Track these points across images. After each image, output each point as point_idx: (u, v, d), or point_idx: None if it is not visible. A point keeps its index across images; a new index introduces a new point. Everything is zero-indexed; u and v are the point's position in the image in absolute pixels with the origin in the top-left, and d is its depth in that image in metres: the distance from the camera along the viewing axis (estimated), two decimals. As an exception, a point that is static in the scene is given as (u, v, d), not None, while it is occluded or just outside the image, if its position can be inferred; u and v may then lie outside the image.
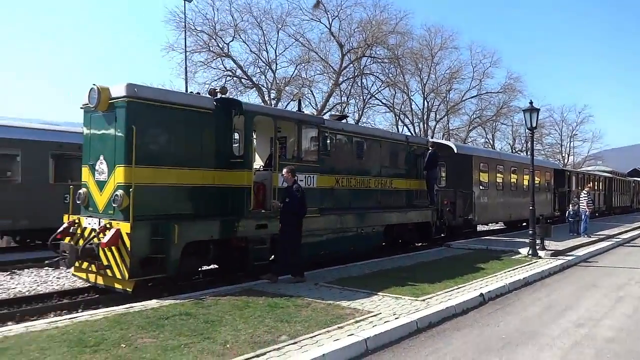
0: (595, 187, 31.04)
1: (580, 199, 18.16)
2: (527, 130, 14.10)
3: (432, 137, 41.71)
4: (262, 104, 28.83)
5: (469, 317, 7.23)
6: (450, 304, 7.35)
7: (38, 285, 9.75)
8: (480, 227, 20.83)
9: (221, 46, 29.86)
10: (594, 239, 16.98)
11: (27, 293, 9.03)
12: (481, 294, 8.15)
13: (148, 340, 5.27)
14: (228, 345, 5.17)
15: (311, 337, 5.49)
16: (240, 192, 9.11)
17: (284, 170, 8.91)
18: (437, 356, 5.51)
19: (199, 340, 5.30)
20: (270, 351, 5.03)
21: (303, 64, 33.78)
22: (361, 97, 38.84)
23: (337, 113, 28.67)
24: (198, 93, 11.67)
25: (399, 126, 42.44)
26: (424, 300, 7.51)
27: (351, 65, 36.06)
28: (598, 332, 6.69)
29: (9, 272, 10.75)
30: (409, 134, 40.75)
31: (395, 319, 6.38)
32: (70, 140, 14.05)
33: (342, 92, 37.16)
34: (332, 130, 11.69)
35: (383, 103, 41.71)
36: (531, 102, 13.85)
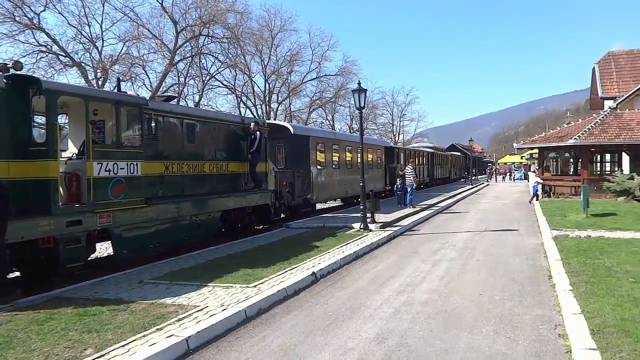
0: (420, 162, 34.34)
1: (406, 173, 19.78)
2: (357, 111, 14.65)
3: (274, 119, 42.18)
4: (86, 84, 25.99)
5: (300, 297, 7.25)
6: (282, 287, 7.28)
7: None
8: (319, 205, 21.55)
9: (30, 17, 26.00)
10: (417, 209, 18.67)
11: None
12: (313, 273, 8.26)
13: None
14: (15, 371, 4.35)
15: (123, 346, 4.90)
16: (45, 185, 7.88)
17: None
18: (264, 344, 5.35)
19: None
20: (69, 369, 4.35)
21: (133, 41, 31.20)
22: (200, 78, 37.41)
23: (174, 94, 27.19)
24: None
25: (241, 108, 41.93)
26: (255, 286, 7.33)
27: (187, 44, 34.39)
28: (415, 297, 7.18)
29: None
30: (251, 116, 40.54)
31: (223, 310, 6.07)
32: None
33: (179, 73, 35.33)
34: (159, 112, 10.82)
35: (224, 85, 40.81)
36: (359, 83, 14.47)
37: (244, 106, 42.86)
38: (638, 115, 23.85)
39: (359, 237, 12.27)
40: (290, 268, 8.61)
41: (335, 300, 7.11)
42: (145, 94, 30.49)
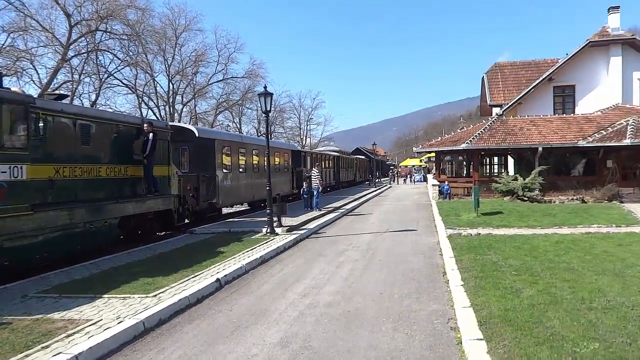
0: (327, 165, 35.05)
1: (312, 176, 20.06)
2: (263, 114, 14.62)
3: (179, 121, 40.82)
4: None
5: (203, 305, 7.06)
6: (184, 295, 7.04)
7: None
8: (226, 210, 21.19)
9: None
10: (324, 211, 19.02)
11: None
12: (217, 279, 8.09)
13: None
14: None
15: (1, 369, 4.46)
16: None
17: None
18: (163, 357, 5.13)
19: None
20: None
21: (19, 33, 28.58)
22: (97, 76, 35.18)
23: (66, 93, 25.30)
24: None
25: (142, 109, 40.07)
26: (155, 295, 7.02)
27: (83, 39, 32.22)
28: (320, 299, 7.29)
29: None
30: (154, 117, 38.89)
31: (119, 323, 5.74)
32: None
33: (73, 69, 32.97)
34: (49, 111, 9.97)
35: (124, 84, 38.72)
36: (265, 87, 14.42)
37: (145, 107, 41.02)
38: (520, 121, 26.21)
39: (266, 241, 12.23)
40: (193, 275, 8.36)
41: (240, 306, 7.01)
42: (33, 91, 28.13)
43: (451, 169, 42.50)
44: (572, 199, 21.45)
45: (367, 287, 7.90)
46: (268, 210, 13.49)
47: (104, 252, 10.74)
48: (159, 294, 7.12)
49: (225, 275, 8.40)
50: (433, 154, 32.64)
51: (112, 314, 6.14)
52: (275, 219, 13.83)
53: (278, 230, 13.58)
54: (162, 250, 11.11)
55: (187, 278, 8.16)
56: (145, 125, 12.82)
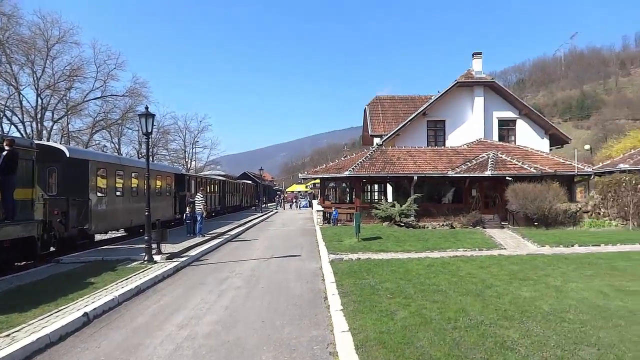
0: (212, 190, 34.28)
1: (196, 201, 19.48)
2: (144, 135, 13.93)
3: (48, 139, 37.41)
4: None
5: (67, 343, 6.41)
6: (44, 333, 6.35)
7: None
8: (100, 236, 19.69)
9: None
10: (207, 237, 18.49)
11: None
12: (85, 313, 7.42)
13: None
14: None
15: None
16: None
17: None
18: (14, 405, 4.55)
19: None
20: None
21: None
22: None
23: None
24: None
25: (3, 125, 36.11)
26: (8, 335, 6.24)
27: None
28: (199, 329, 7.01)
29: None
30: (18, 134, 35.25)
31: (-41, 370, 5.00)
32: None
33: None
34: None
35: (-20, 95, 34.61)
36: (147, 108, 13.84)
37: (8, 122, 36.98)
38: (398, 152, 28.06)
39: (143, 270, 11.53)
40: (56, 310, 7.58)
41: (110, 342, 6.48)
42: None
43: (335, 195, 43.92)
44: (443, 225, 23.27)
45: (249, 316, 7.77)
46: (146, 237, 12.78)
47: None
48: (13, 332, 6.34)
49: (95, 309, 7.74)
50: (318, 181, 33.52)
51: (-48, 359, 5.33)
52: (154, 245, 13.14)
53: (157, 257, 12.90)
54: (22, 283, 9.96)
55: (49, 313, 7.37)
56: (4, 142, 11.49)
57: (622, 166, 23.18)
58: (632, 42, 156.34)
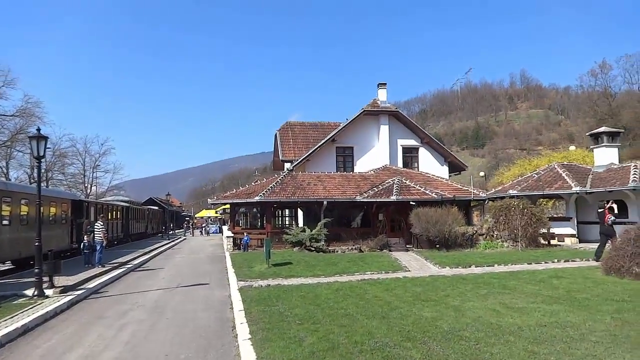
0: (114, 216, 32.37)
1: (95, 229, 18.27)
2: (35, 159, 12.90)
3: None
4: None
5: None
6: None
7: None
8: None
9: None
10: (108, 268, 17.35)
11: None
12: (-41, 359, 6.61)
13: None
14: None
15: None
16: None
17: None
18: None
19: None
20: None
21: None
22: None
23: None
24: None
25: None
26: None
27: None
28: (95, 369, 6.52)
29: None
30: None
31: None
32: None
33: None
34: None
35: None
36: (39, 129, 12.89)
37: None
38: (308, 177, 28.45)
39: (31, 306, 10.53)
40: None
41: (-12, 389, 5.82)
42: None
43: (246, 221, 43.38)
44: (352, 249, 23.79)
45: (151, 350, 7.36)
46: (37, 269, 11.72)
47: None
48: None
49: (-29, 353, 6.92)
50: (228, 206, 32.95)
51: None
52: (46, 278, 12.07)
53: (49, 292, 11.85)
54: None
55: None
56: None
57: (511, 192, 25.29)
58: (518, 80, 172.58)
